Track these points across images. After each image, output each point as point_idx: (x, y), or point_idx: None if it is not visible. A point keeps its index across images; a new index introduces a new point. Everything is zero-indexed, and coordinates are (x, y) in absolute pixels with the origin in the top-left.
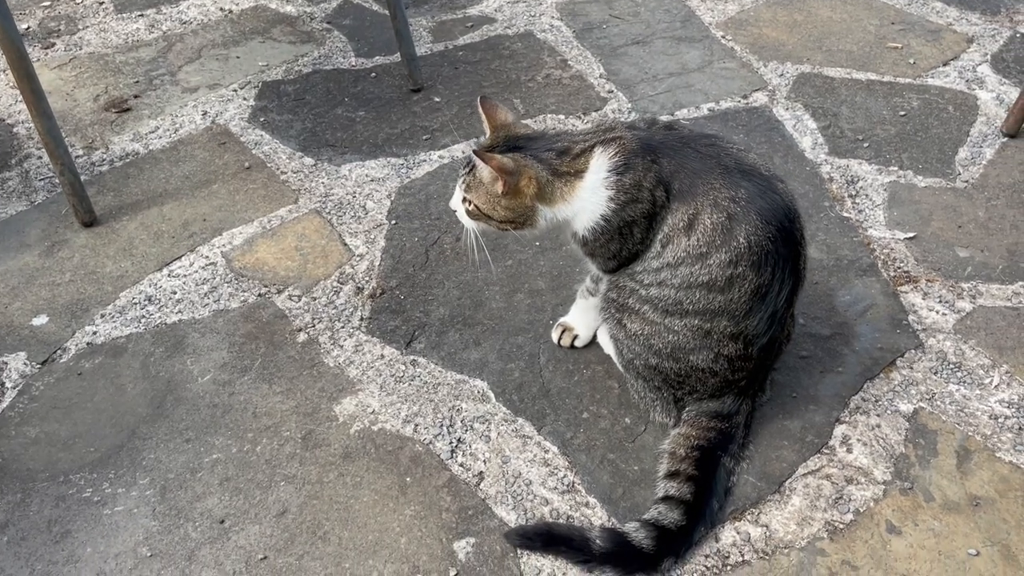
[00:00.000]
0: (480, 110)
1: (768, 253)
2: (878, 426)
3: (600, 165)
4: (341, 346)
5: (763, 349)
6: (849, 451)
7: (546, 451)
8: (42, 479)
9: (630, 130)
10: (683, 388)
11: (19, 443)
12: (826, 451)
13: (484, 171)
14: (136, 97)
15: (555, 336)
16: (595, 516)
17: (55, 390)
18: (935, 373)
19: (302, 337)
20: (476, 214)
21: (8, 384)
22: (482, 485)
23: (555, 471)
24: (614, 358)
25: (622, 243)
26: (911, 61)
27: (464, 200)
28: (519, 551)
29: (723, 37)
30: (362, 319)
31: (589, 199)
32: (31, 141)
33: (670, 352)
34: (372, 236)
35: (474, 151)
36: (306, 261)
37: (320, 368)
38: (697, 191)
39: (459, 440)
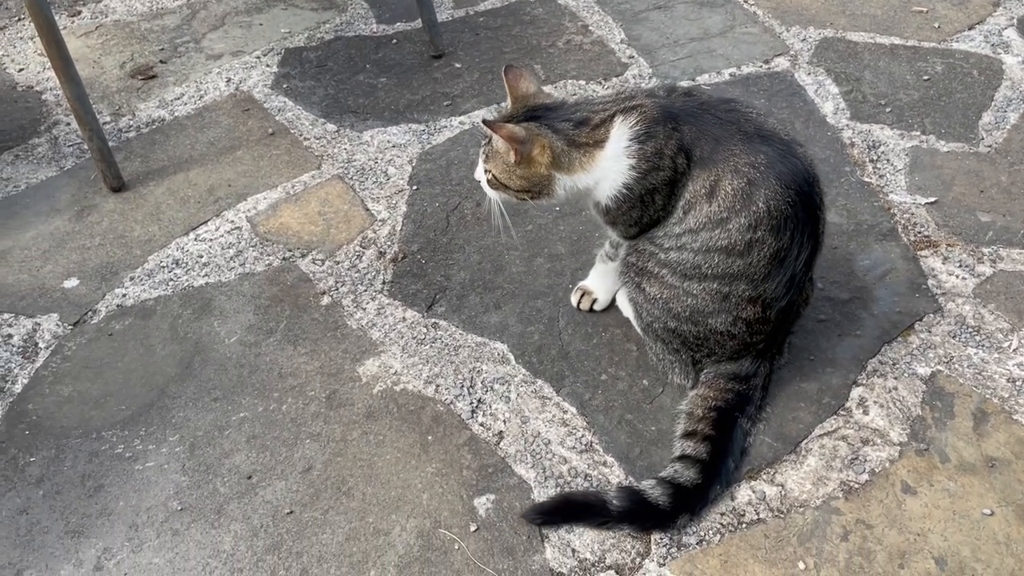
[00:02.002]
0: (504, 79)
1: (787, 217)
2: (895, 388)
3: (621, 134)
4: (364, 309)
5: (781, 312)
6: (865, 413)
7: (564, 411)
8: (75, 436)
9: (650, 98)
10: (701, 351)
11: (53, 401)
12: (842, 413)
13: (498, 141)
14: (162, 63)
15: (574, 300)
16: (612, 475)
17: (87, 350)
18: (953, 337)
19: (326, 300)
20: (495, 184)
21: (41, 344)
22: (502, 444)
23: (573, 431)
24: (633, 321)
25: (643, 210)
26: (936, 25)
27: (485, 171)
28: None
29: (745, 2)
30: (384, 283)
31: (611, 168)
32: (59, 108)
33: (689, 315)
34: (394, 201)
35: (484, 120)
36: (329, 226)
37: (343, 330)
38: (718, 157)
39: (479, 400)
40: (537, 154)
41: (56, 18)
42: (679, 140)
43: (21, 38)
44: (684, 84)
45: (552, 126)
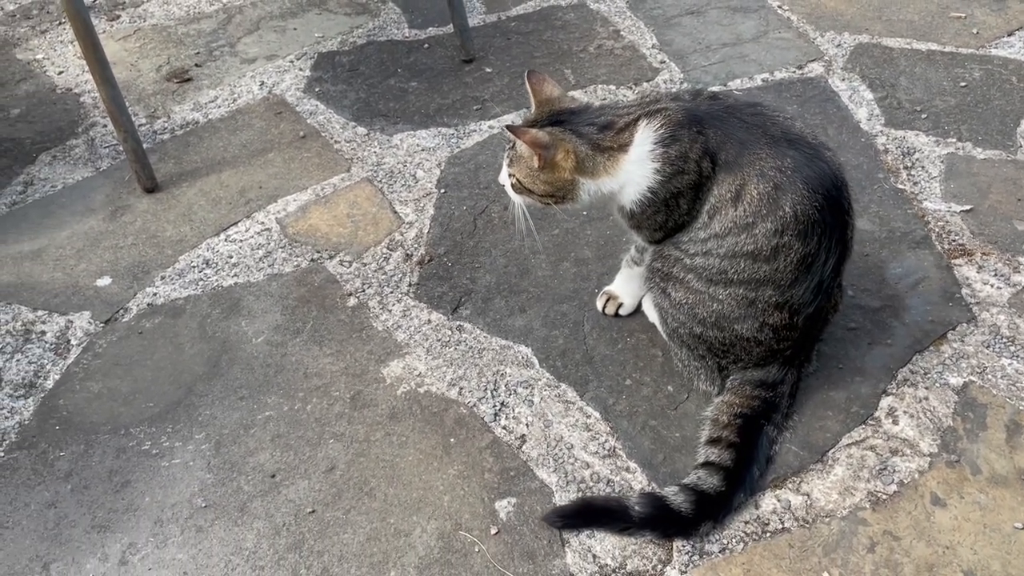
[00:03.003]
0: (527, 84)
1: (815, 222)
2: (926, 399)
3: (645, 138)
4: (389, 311)
5: (809, 319)
6: (895, 423)
7: (588, 416)
8: (104, 432)
9: (675, 101)
10: (727, 357)
11: (83, 397)
12: (871, 422)
13: (521, 146)
14: (197, 67)
15: (600, 304)
16: (635, 480)
17: (117, 348)
18: (987, 347)
19: (352, 301)
20: (519, 188)
21: (73, 341)
22: (524, 448)
23: (596, 436)
24: (659, 326)
25: (668, 214)
26: (974, 31)
27: (509, 175)
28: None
29: (780, 7)
30: (410, 285)
31: (635, 172)
32: (97, 110)
33: (714, 321)
34: (421, 204)
35: (506, 126)
36: (357, 228)
37: (369, 332)
38: (743, 161)
39: (502, 404)
40: (561, 159)
41: (95, 22)
42: (704, 144)
43: (62, 41)
44: (714, 88)
45: (576, 130)
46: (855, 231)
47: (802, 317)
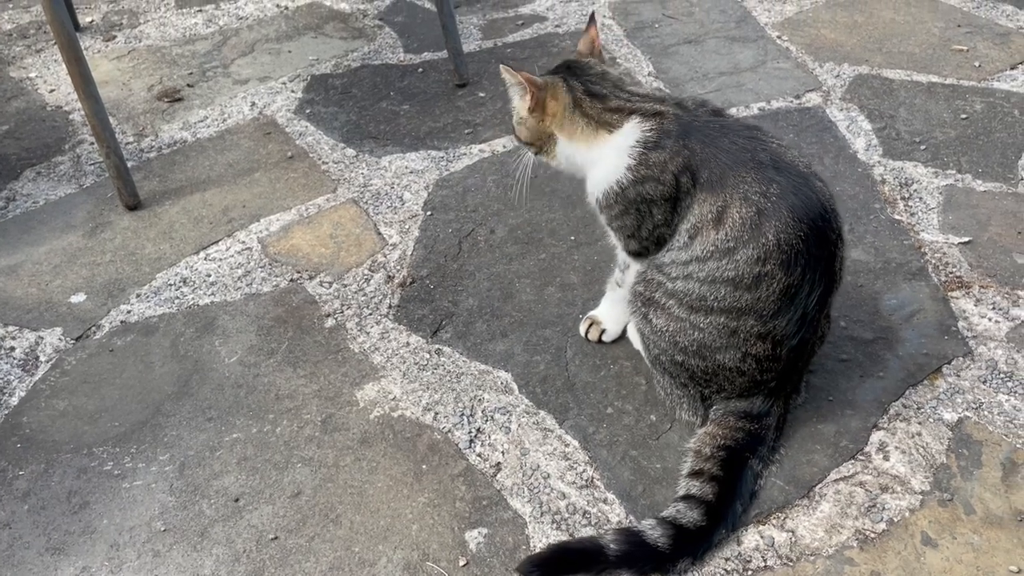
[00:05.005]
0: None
1: (798, 252)
2: (919, 434)
3: (632, 133)
4: (367, 333)
5: (793, 351)
6: (886, 458)
7: (567, 445)
8: (66, 451)
9: (677, 107)
10: (710, 386)
11: (47, 415)
12: (861, 457)
13: (514, 85)
14: (189, 87)
15: (583, 329)
16: (612, 513)
17: (86, 365)
18: (984, 382)
19: (330, 323)
20: (513, 128)
21: (42, 358)
22: (499, 476)
23: (574, 465)
24: (642, 352)
25: (639, 220)
26: (976, 64)
27: (513, 109)
28: (533, 546)
29: (779, 37)
30: (390, 307)
31: (609, 158)
32: (85, 128)
33: (696, 349)
34: (406, 226)
35: (502, 65)
36: (340, 249)
37: (345, 353)
38: (727, 183)
39: (478, 430)
40: (551, 108)
41: (91, 43)
42: (687, 159)
43: (56, 60)
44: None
45: (572, 85)
46: (845, 262)
47: (785, 348)
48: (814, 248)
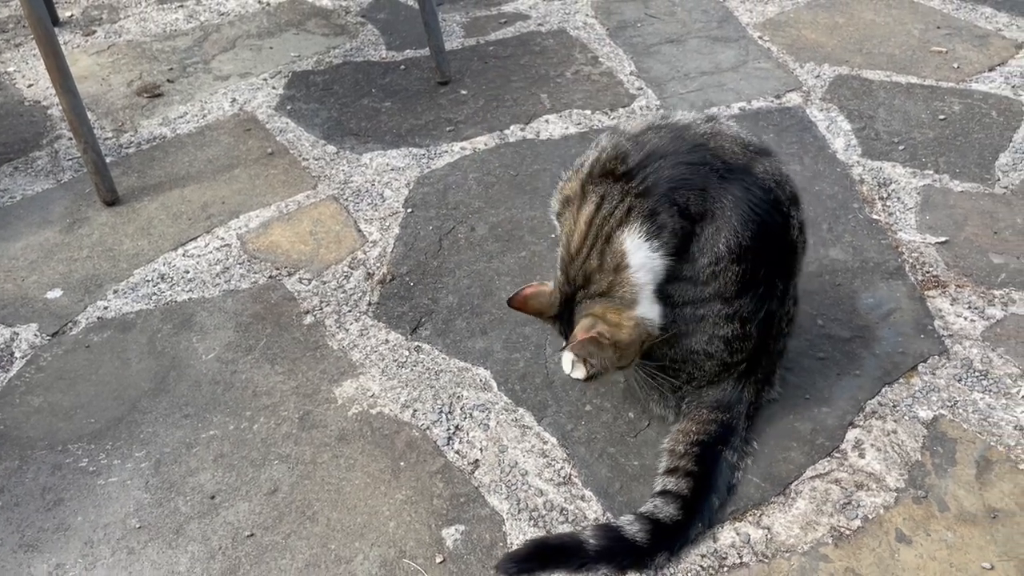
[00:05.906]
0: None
1: (747, 248)
2: (894, 432)
3: (636, 246)
4: (346, 329)
5: (761, 326)
6: (861, 456)
7: (545, 442)
8: (41, 447)
9: (626, 181)
10: (680, 376)
11: (22, 411)
12: (837, 455)
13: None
14: (169, 83)
15: None
16: (590, 510)
17: (62, 361)
18: (959, 380)
19: (308, 319)
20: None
21: (17, 354)
22: (476, 473)
23: (552, 462)
24: None
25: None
26: (955, 66)
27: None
28: (510, 543)
29: (760, 38)
30: (370, 304)
31: (644, 271)
32: (63, 123)
33: (666, 339)
34: (387, 223)
35: (564, 345)
36: (319, 245)
37: (323, 350)
38: (705, 210)
39: (457, 427)
40: (627, 327)
41: (71, 37)
42: (680, 209)
43: (34, 55)
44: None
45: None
46: (806, 244)
47: (754, 324)
48: (761, 243)
